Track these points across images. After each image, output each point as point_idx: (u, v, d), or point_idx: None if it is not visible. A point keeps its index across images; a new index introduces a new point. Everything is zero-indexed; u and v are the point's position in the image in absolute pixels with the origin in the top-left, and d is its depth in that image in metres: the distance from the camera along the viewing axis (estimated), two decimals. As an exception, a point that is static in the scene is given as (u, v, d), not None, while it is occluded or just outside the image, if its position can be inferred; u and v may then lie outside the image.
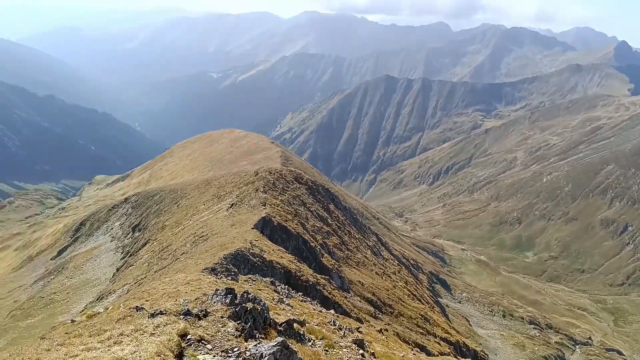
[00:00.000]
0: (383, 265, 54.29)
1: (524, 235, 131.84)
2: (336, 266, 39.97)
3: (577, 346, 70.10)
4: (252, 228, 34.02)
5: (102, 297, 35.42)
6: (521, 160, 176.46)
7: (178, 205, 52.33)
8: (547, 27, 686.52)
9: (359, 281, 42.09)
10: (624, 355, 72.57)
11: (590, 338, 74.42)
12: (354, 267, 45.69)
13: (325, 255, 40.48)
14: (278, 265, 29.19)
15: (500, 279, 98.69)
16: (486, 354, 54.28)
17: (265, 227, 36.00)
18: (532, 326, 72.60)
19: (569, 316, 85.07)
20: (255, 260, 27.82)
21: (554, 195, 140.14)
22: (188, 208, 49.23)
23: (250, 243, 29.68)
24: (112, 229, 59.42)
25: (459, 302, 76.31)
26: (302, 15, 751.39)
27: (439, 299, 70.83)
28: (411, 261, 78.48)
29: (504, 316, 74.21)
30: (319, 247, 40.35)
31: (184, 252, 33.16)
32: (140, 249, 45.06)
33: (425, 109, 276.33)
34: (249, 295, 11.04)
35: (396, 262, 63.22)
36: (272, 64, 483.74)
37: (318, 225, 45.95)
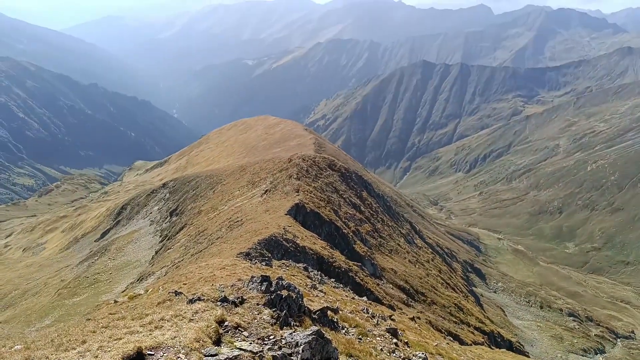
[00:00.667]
0: (416, 253, 53.80)
1: (565, 226, 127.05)
2: (369, 253, 39.94)
3: (619, 340, 67.51)
4: (286, 214, 34.41)
5: (142, 279, 36.92)
6: (564, 147, 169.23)
7: (214, 191, 53.55)
8: (596, 7, 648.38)
9: (392, 269, 41.92)
10: (671, 352, 69.35)
11: (632, 332, 71.45)
12: (386, 255, 45.51)
13: (358, 242, 40.49)
14: (311, 251, 29.47)
15: (538, 270, 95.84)
16: (522, 345, 53.18)
17: (299, 213, 36.32)
18: (572, 318, 70.38)
19: (611, 309, 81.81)
20: (288, 245, 28.18)
21: (598, 184, 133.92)
22: (223, 194, 50.29)
23: (283, 229, 30.05)
24: (151, 213, 61.59)
25: (494, 292, 74.82)
26: (338, 0, 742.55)
27: (474, 288, 69.69)
28: (445, 249, 77.37)
29: (541, 307, 72.25)
30: (351, 234, 40.39)
31: (219, 237, 33.99)
32: (177, 233, 46.55)
33: (462, 95, 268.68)
34: (284, 282, 11.19)
35: (430, 250, 62.50)
36: (307, 51, 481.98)
37: (351, 212, 45.94)
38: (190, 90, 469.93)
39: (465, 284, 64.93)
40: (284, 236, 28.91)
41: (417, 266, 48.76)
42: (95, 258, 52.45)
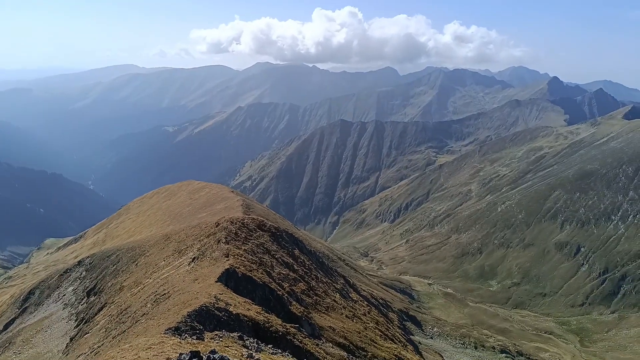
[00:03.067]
0: (353, 308, 53.64)
1: (486, 265, 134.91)
2: (305, 313, 39.13)
3: (549, 371, 70.91)
4: (216, 281, 33.06)
5: (56, 372, 32.76)
6: (476, 191, 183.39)
7: (136, 264, 50.19)
8: (485, 67, 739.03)
9: (330, 326, 41.27)
10: (594, 376, 73.98)
11: (560, 361, 75.56)
12: (323, 313, 44.87)
13: (294, 302, 39.64)
14: (245, 318, 28.31)
15: (469, 310, 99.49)
16: (463, 389, 53.74)
17: (230, 279, 35.07)
18: (504, 355, 73.01)
19: (538, 341, 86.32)
20: (221, 315, 26.89)
21: (509, 223, 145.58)
22: (147, 266, 47.30)
23: (214, 297, 28.75)
24: (64, 295, 55.80)
25: (431, 338, 75.92)
26: (255, 66, 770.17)
27: (411, 336, 70.25)
28: (380, 300, 77.99)
29: (475, 347, 74.32)
30: (286, 295, 39.54)
31: (144, 313, 31.56)
32: (96, 314, 42.43)
33: (380, 149, 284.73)
34: (216, 357, 10.71)
35: (365, 302, 62.65)
36: (228, 115, 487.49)
37: (284, 272, 45.24)
38: (107, 161, 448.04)
39: (403, 333, 65.37)
40: (216, 305, 27.63)
41: (354, 321, 48.47)
42: (-4, 355, 45.69)
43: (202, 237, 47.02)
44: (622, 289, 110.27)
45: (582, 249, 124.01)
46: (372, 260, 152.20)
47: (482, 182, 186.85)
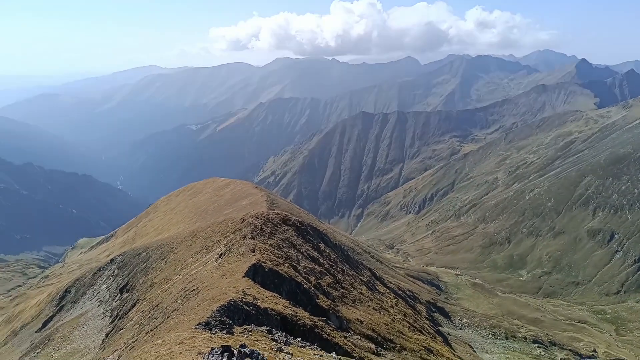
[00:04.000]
0: (380, 300, 53.52)
1: (515, 254, 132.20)
2: (332, 306, 39.27)
3: (583, 359, 69.21)
4: (244, 276, 33.50)
5: (93, 366, 33.94)
6: (502, 180, 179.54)
7: (166, 261, 51.35)
8: (510, 53, 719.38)
9: (357, 319, 41.30)
10: (632, 365, 71.81)
11: (595, 350, 73.62)
12: (350, 305, 44.93)
13: (321, 296, 39.83)
14: (273, 312, 28.62)
15: (498, 301, 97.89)
16: (494, 381, 53.05)
17: (257, 274, 35.49)
18: (536, 345, 71.61)
19: (571, 330, 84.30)
20: (249, 309, 27.26)
21: (538, 211, 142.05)
22: (176, 262, 48.34)
23: (242, 292, 29.16)
24: (98, 292, 57.65)
25: (460, 329, 75.09)
26: (275, 62, 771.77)
27: (440, 327, 69.65)
28: (407, 292, 77.54)
29: (506, 338, 73.14)
30: (313, 288, 39.76)
31: (175, 309, 32.31)
32: (129, 311, 43.70)
33: (403, 140, 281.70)
34: (246, 350, 10.84)
35: (392, 294, 62.40)
36: (250, 112, 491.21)
37: (310, 266, 45.47)
38: (134, 161, 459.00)
39: (432, 324, 64.88)
40: (244, 300, 28.02)
41: (382, 313, 48.37)
42: (38, 351, 47.70)
43: (228, 233, 47.70)
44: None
45: (616, 236, 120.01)
46: (398, 252, 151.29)
47: (509, 170, 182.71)
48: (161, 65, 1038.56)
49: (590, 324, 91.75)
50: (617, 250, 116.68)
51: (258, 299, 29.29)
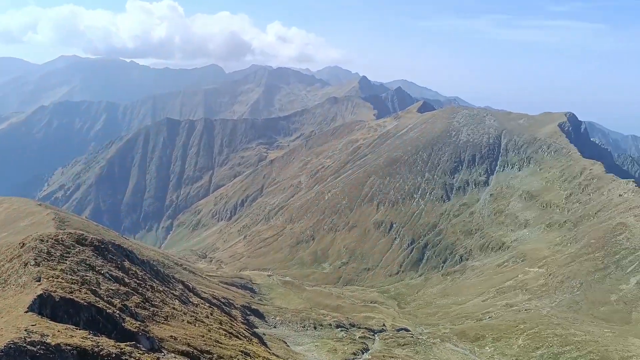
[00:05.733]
0: (194, 312, 52.27)
1: (319, 249, 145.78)
2: (142, 327, 36.66)
3: (376, 334, 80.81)
4: (27, 311, 28.53)
5: None
6: (305, 183, 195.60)
7: None
8: (306, 66, 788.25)
9: (171, 336, 39.52)
10: (410, 331, 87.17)
11: (384, 325, 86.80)
12: (163, 323, 42.65)
13: (128, 318, 36.70)
14: (68, 347, 25.22)
15: (306, 294, 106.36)
16: (306, 368, 57.62)
17: (44, 306, 30.59)
18: (340, 329, 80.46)
19: (366, 311, 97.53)
20: (35, 349, 23.42)
21: (335, 209, 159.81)
22: None
23: (26, 331, 24.87)
24: None
25: (274, 327, 78.92)
26: (60, 60, 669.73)
27: (256, 329, 71.85)
28: (222, 300, 77.54)
29: (315, 328, 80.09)
30: (118, 312, 36.34)
31: None
32: None
33: (211, 147, 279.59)
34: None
35: (207, 304, 61.60)
36: (29, 115, 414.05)
37: (114, 287, 41.40)
38: None
39: (247, 327, 66.44)
40: (28, 339, 23.93)
41: (197, 325, 47.35)
42: None
43: (2, 262, 39.67)
44: (425, 255, 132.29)
45: (394, 225, 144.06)
46: (212, 261, 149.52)
47: (310, 174, 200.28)
48: None
49: (380, 302, 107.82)
50: (396, 238, 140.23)
51: (48, 335, 25.41)
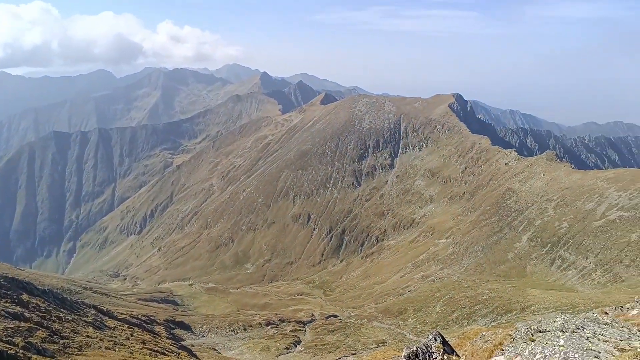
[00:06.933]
0: (112, 336, 48.73)
1: (240, 251, 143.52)
2: (53, 363, 33.37)
3: (306, 325, 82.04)
4: None
5: None
6: (217, 185, 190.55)
7: None
8: (204, 66, 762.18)
9: (88, 366, 36.49)
10: (339, 316, 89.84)
11: (313, 315, 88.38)
12: (77, 355, 39.18)
13: (34, 357, 33.15)
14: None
15: (232, 298, 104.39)
16: (240, 372, 56.76)
17: None
18: (270, 327, 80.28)
19: (293, 304, 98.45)
20: None
21: (252, 208, 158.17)
22: None
23: None
24: None
25: (203, 336, 76.43)
26: None
27: (183, 342, 68.99)
28: (142, 318, 73.12)
29: (245, 329, 79.04)
30: (22, 351, 32.67)
31: None
32: None
33: (110, 159, 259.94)
34: None
35: (126, 325, 57.73)
36: None
37: (12, 325, 37.06)
38: None
39: (174, 342, 63.50)
40: None
41: (117, 349, 44.22)
42: None
43: None
44: (344, 241, 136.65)
45: (312, 216, 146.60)
46: (125, 279, 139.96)
47: (222, 175, 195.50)
48: None
49: (306, 293, 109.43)
50: (314, 228, 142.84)
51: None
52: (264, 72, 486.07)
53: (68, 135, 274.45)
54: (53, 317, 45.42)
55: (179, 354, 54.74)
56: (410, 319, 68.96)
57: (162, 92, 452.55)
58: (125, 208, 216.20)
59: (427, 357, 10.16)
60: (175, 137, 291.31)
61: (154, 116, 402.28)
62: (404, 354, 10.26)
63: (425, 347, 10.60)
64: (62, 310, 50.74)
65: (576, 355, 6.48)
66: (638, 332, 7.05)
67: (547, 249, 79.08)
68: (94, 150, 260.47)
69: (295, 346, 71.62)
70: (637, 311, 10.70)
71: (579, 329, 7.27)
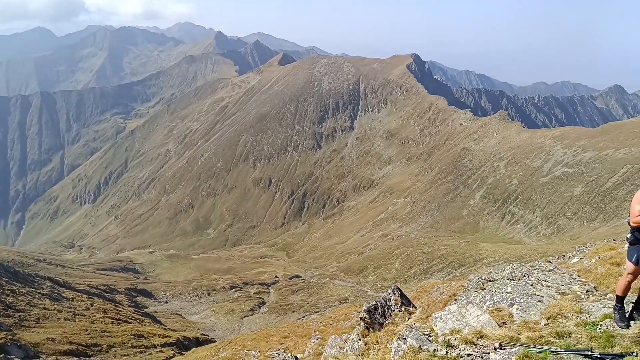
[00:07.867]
0: (71, 307, 47.87)
1: (200, 216, 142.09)
2: (10, 337, 32.50)
3: (270, 287, 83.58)
4: None
5: None
6: (174, 150, 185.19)
7: None
8: (154, 24, 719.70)
9: (48, 338, 35.84)
10: (302, 277, 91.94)
11: (276, 276, 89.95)
12: (34, 327, 38.30)
13: (-12, 332, 32.09)
14: None
15: (195, 263, 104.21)
16: (206, 335, 57.56)
17: None
18: (234, 290, 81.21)
19: (257, 267, 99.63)
20: None
21: (211, 173, 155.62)
22: None
23: None
24: None
25: (166, 303, 76.40)
26: None
27: (146, 309, 68.75)
28: (102, 287, 71.96)
29: (209, 294, 79.59)
30: (-27, 327, 31.51)
31: None
32: None
33: (56, 124, 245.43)
34: None
35: (86, 296, 56.73)
36: None
37: (-39, 302, 35.56)
38: None
39: (137, 310, 63.17)
40: None
41: (77, 320, 43.57)
42: None
43: None
44: (306, 203, 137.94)
45: (273, 180, 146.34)
46: (82, 249, 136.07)
47: (178, 140, 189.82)
48: None
49: (269, 256, 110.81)
50: (276, 192, 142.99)
51: None
52: (219, 32, 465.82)
53: (7, 99, 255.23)
54: (6, 291, 43.90)
55: (142, 321, 54.66)
56: (370, 276, 71.58)
57: (109, 52, 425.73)
58: (76, 176, 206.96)
59: (386, 310, 10.66)
60: (126, 101, 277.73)
61: (102, 78, 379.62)
62: (364, 308, 10.71)
63: (384, 300, 11.10)
64: (15, 283, 49.04)
65: (522, 300, 7.03)
66: (578, 278, 7.68)
67: (498, 205, 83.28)
68: (37, 116, 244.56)
69: (260, 307, 73.07)
70: (578, 259, 11.62)
71: (524, 276, 7.83)
